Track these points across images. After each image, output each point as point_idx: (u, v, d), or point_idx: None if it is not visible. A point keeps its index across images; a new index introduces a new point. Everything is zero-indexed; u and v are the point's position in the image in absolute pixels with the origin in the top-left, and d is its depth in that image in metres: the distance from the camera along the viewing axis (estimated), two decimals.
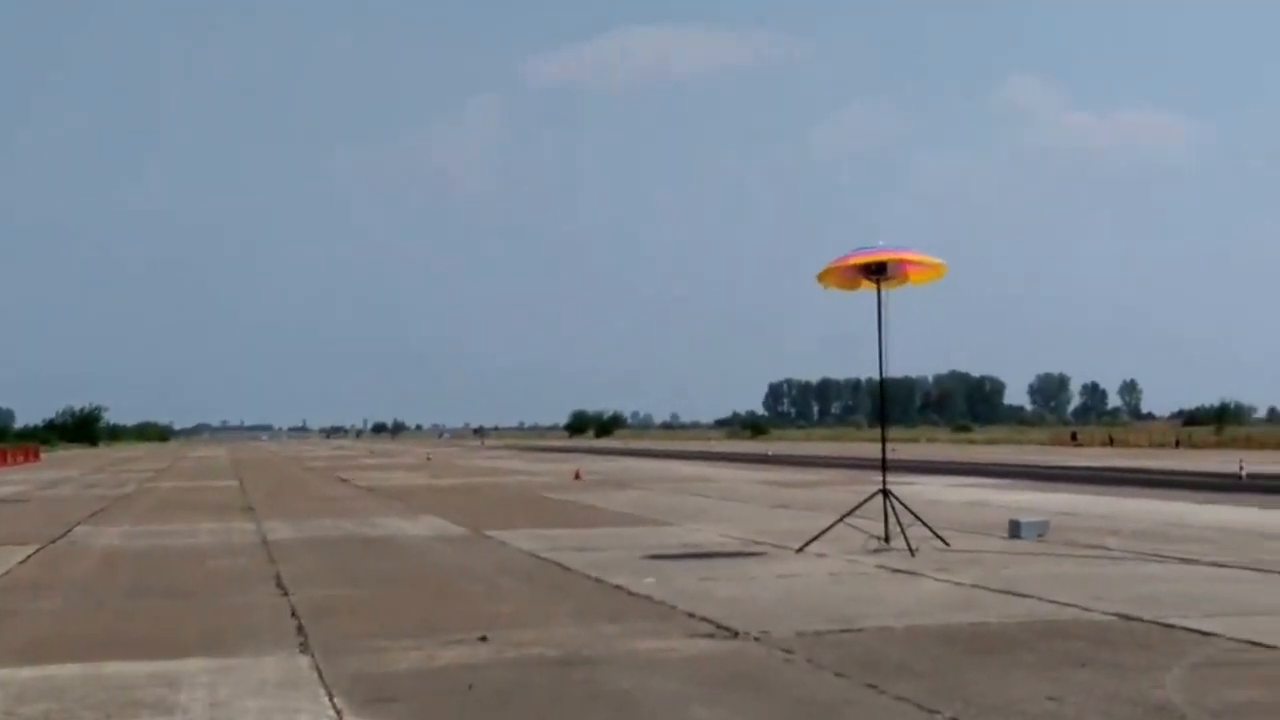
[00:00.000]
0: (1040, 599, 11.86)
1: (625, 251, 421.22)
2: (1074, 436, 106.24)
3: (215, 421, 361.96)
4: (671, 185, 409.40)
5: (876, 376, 17.27)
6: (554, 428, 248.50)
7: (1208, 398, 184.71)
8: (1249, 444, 78.81)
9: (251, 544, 19.11)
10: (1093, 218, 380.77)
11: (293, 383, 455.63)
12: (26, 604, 13.00)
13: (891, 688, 8.15)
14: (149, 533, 21.52)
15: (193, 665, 9.40)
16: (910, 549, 15.62)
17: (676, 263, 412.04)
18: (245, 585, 14.24)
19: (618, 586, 13.34)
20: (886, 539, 16.33)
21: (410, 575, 15.06)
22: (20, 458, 77.48)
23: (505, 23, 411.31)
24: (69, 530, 22.04)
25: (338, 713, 7.86)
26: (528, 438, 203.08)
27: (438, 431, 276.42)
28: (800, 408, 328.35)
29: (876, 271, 16.65)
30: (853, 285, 17.18)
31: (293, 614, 11.91)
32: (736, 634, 10.29)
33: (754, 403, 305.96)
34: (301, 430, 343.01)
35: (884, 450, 18.20)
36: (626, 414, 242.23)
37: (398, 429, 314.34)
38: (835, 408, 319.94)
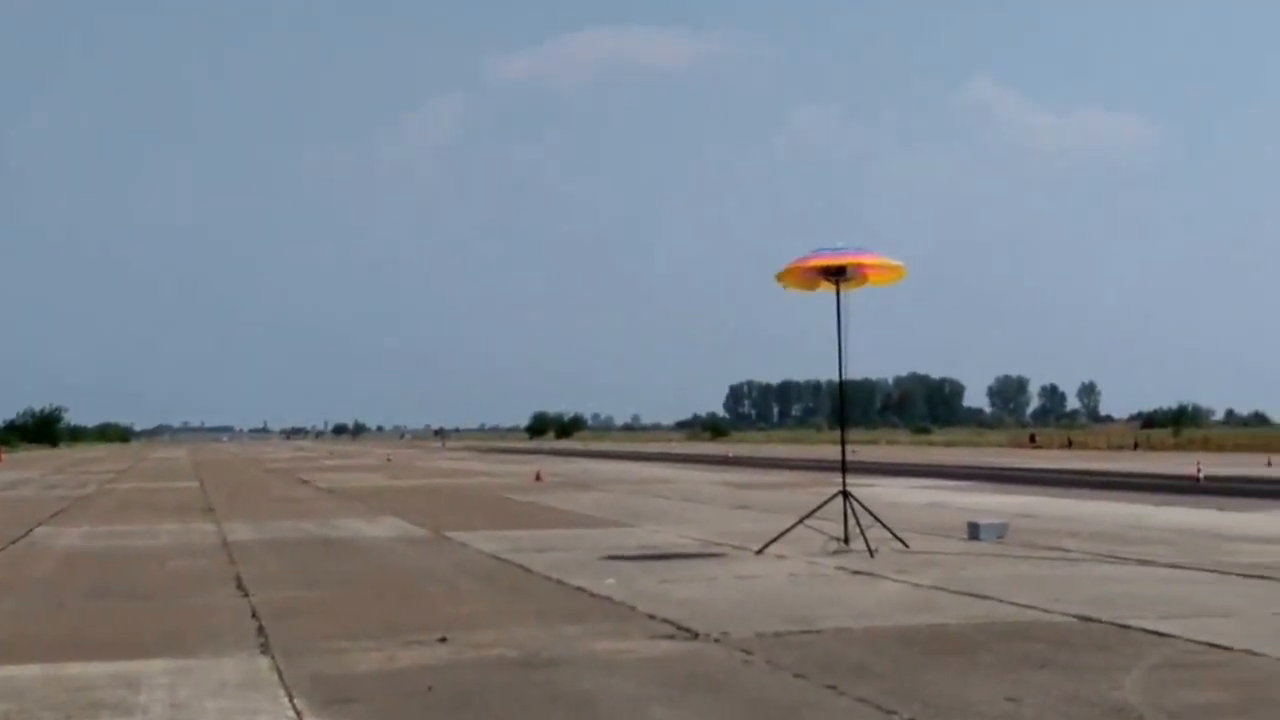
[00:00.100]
0: (999, 600, 11.90)
1: (586, 253, 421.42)
2: (1033, 438, 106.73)
3: (176, 423, 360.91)
4: (632, 186, 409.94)
5: (837, 379, 17.30)
6: (515, 429, 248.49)
7: (1166, 400, 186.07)
8: (1206, 446, 79.29)
9: (212, 545, 19.04)
10: (1053, 220, 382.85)
11: (253, 384, 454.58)
12: None
13: (851, 689, 8.15)
14: (110, 533, 21.42)
15: (153, 666, 9.35)
16: (870, 550, 15.66)
17: (637, 265, 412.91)
18: (206, 586, 14.19)
19: (578, 588, 13.34)
20: (846, 540, 16.36)
21: (371, 577, 15.02)
22: None
23: (468, 21, 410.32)
24: (29, 531, 21.92)
25: (298, 713, 7.83)
26: (488, 439, 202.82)
27: (398, 433, 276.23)
28: (761, 410, 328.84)
29: (836, 273, 16.69)
30: (812, 286, 17.21)
31: (253, 615, 11.87)
32: (696, 635, 10.29)
33: (715, 404, 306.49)
34: (262, 431, 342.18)
35: (844, 452, 18.25)
36: (587, 416, 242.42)
37: (358, 430, 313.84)
38: (796, 410, 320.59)
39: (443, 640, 10.17)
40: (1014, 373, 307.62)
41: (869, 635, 10.20)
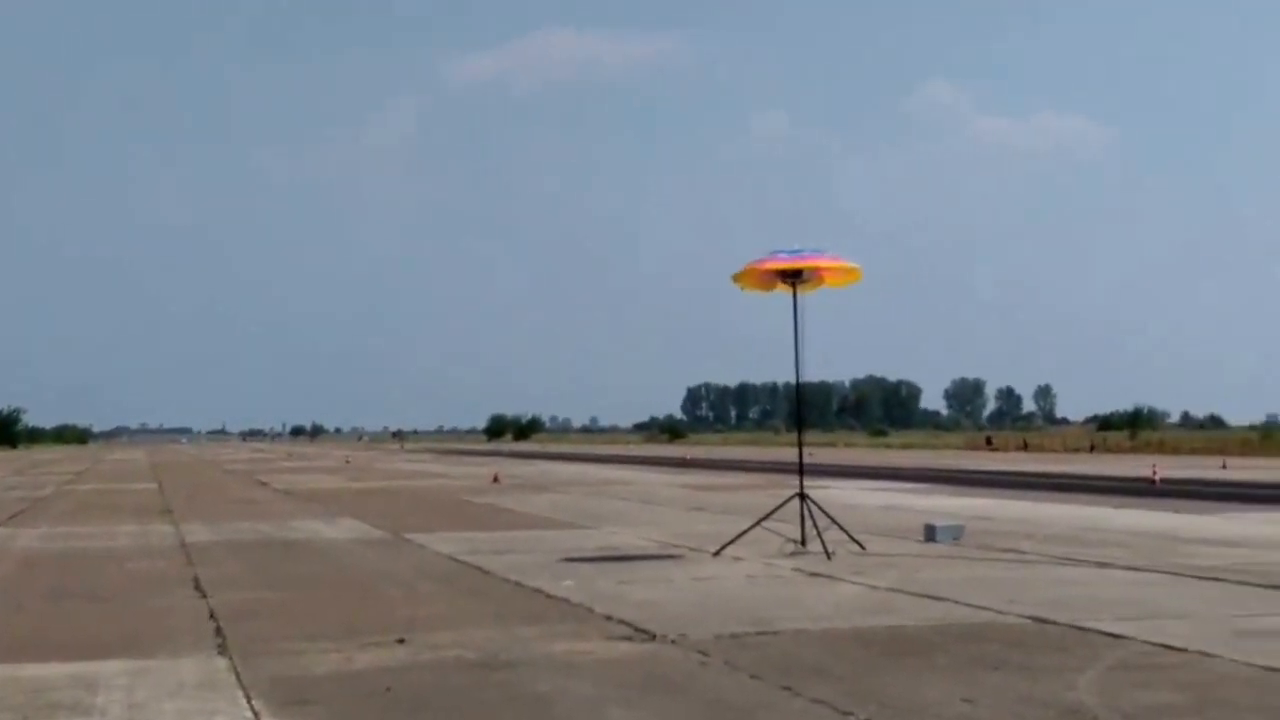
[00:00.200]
0: (955, 602, 11.95)
1: (543, 256, 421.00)
2: (989, 441, 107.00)
3: (134, 424, 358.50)
4: (590, 189, 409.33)
5: (794, 381, 17.35)
6: (472, 431, 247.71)
7: (1122, 403, 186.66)
8: (1162, 448, 79.69)
9: (170, 546, 18.98)
10: (1008, 223, 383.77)
11: (211, 386, 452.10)
12: None
13: (807, 690, 8.18)
14: (68, 535, 21.34)
15: (111, 667, 9.33)
16: (826, 552, 15.70)
17: (595, 267, 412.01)
18: (164, 588, 14.17)
19: (536, 589, 13.34)
20: (803, 542, 16.39)
21: (329, 578, 15.00)
22: None
23: (426, 22, 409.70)
24: None
25: (255, 714, 7.83)
26: (446, 441, 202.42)
27: (356, 435, 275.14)
28: (718, 412, 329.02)
29: (792, 276, 16.74)
30: (768, 287, 17.25)
31: (211, 616, 11.86)
32: (654, 636, 10.30)
33: (672, 407, 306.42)
34: (220, 433, 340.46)
35: (800, 454, 18.28)
36: (545, 418, 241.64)
37: (316, 432, 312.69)
38: (753, 412, 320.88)
39: (401, 642, 10.16)
40: (970, 375, 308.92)
41: (826, 637, 10.23)
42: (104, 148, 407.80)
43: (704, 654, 9.52)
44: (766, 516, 17.40)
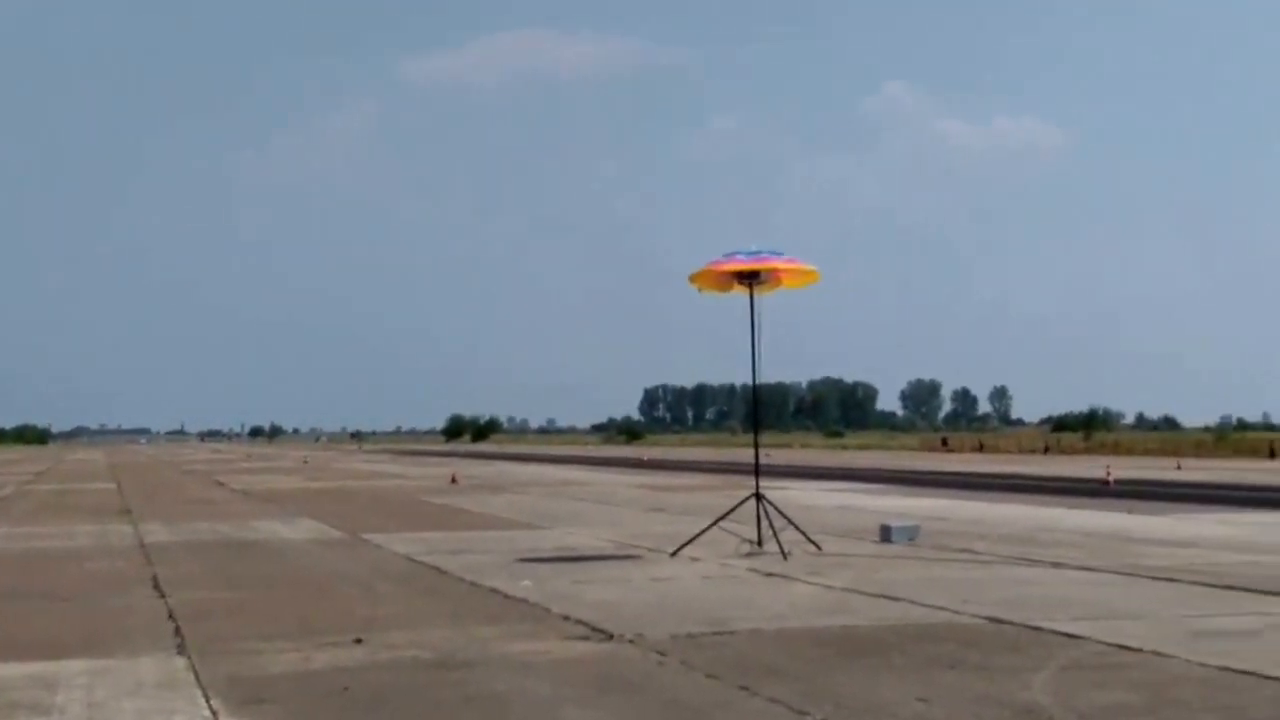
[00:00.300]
0: (911, 602, 11.99)
1: (499, 254, 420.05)
2: (945, 442, 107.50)
3: (94, 425, 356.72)
4: (547, 189, 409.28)
5: (751, 382, 17.38)
6: (431, 432, 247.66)
7: (1076, 404, 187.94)
8: (1116, 449, 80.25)
9: (129, 546, 18.94)
10: (965, 224, 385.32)
11: (170, 386, 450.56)
12: None
13: (763, 689, 8.19)
14: (28, 535, 21.30)
15: (70, 666, 9.31)
16: (783, 553, 15.73)
17: (550, 266, 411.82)
18: (123, 587, 14.15)
19: (493, 589, 13.34)
20: (759, 543, 16.42)
21: (287, 578, 14.98)
22: None
23: (381, 24, 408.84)
24: None
25: (214, 713, 7.82)
26: (404, 442, 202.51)
27: (314, 435, 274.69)
28: (676, 413, 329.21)
29: (749, 277, 16.78)
30: (725, 288, 17.29)
31: (170, 616, 11.84)
32: (611, 636, 10.31)
33: (630, 408, 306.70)
34: (179, 434, 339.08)
35: (757, 455, 18.31)
36: (503, 418, 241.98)
37: (275, 433, 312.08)
38: (710, 413, 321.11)
39: (358, 641, 10.15)
40: (926, 377, 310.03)
41: (782, 636, 10.25)
42: (64, 148, 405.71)
43: (661, 654, 9.52)
44: (723, 517, 17.44)
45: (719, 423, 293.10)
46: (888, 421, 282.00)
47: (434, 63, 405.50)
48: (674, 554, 16.32)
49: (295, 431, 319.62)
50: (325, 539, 20.02)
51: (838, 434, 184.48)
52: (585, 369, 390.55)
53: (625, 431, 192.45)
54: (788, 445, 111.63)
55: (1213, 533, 19.16)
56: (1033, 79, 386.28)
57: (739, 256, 16.90)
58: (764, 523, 16.52)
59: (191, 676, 8.95)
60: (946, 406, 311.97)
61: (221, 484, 41.85)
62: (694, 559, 15.80)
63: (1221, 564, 14.90)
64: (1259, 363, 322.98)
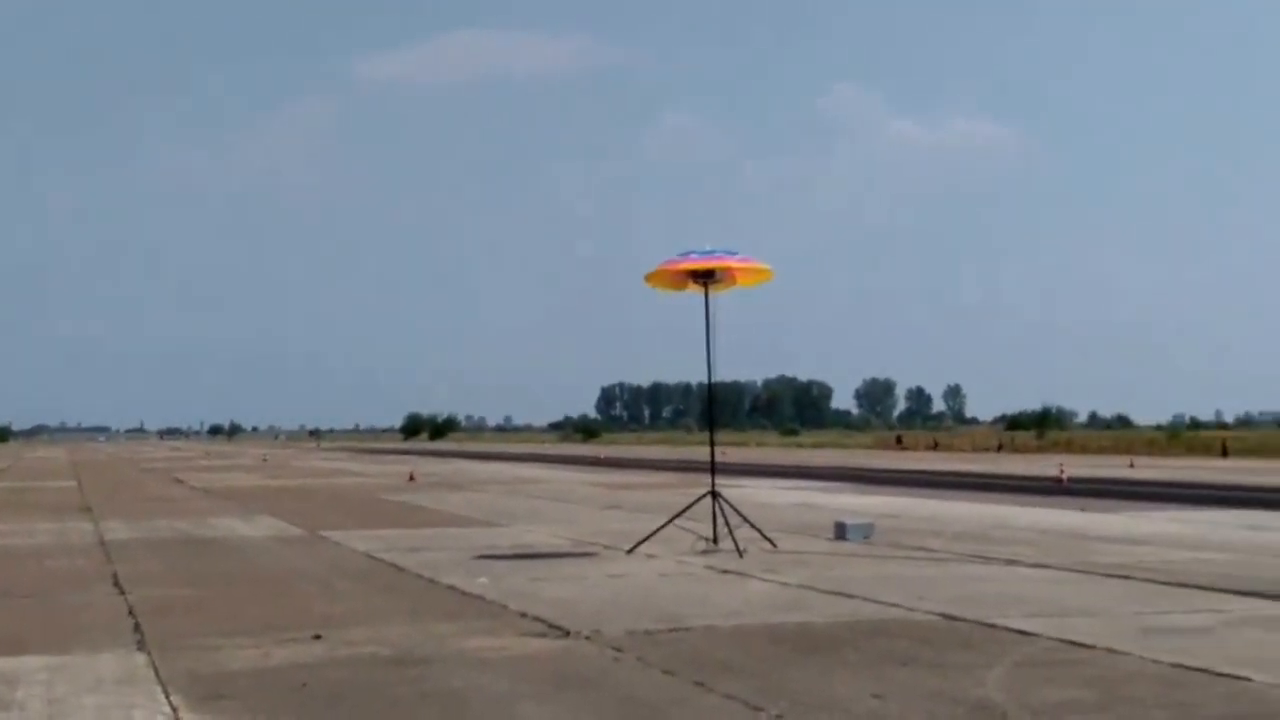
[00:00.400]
0: (865, 599, 12.05)
1: (456, 252, 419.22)
2: (899, 440, 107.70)
3: (54, 423, 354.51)
4: (504, 187, 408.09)
5: (706, 381, 17.42)
6: (389, 430, 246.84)
7: (1030, 403, 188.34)
8: (1069, 448, 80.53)
9: (89, 544, 18.89)
10: (917, 224, 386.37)
11: (129, 384, 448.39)
12: None
13: (719, 686, 8.23)
14: None
15: (30, 663, 9.32)
16: (738, 550, 15.78)
17: (508, 265, 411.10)
18: (83, 584, 14.13)
19: (451, 586, 13.36)
20: (715, 540, 16.47)
21: (246, 575, 14.98)
22: None
23: (335, 24, 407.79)
24: None
25: (174, 709, 7.83)
26: (362, 440, 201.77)
27: (274, 434, 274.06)
28: (632, 411, 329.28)
29: (704, 276, 16.83)
30: (680, 286, 17.34)
31: (130, 613, 11.83)
32: (568, 633, 10.34)
33: (586, 406, 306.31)
34: (139, 432, 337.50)
35: (713, 453, 18.39)
36: (460, 417, 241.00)
37: (234, 431, 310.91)
38: (666, 411, 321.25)
39: (317, 638, 10.17)
40: (881, 375, 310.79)
41: (737, 633, 10.30)
42: (17, 146, 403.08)
43: (617, 650, 9.56)
44: (679, 514, 17.48)
45: (675, 421, 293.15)
46: (843, 420, 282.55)
47: (387, 62, 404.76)
48: (630, 551, 16.35)
49: (254, 430, 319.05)
50: (284, 536, 19.99)
51: (793, 432, 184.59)
52: (542, 368, 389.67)
53: (582, 430, 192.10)
54: (743, 443, 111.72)
55: (1165, 530, 19.30)
56: (985, 80, 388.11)
57: (693, 255, 16.95)
58: (719, 520, 16.57)
59: (151, 673, 8.96)
60: (901, 405, 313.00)
61: (181, 481, 41.72)
62: (650, 556, 15.84)
63: (1174, 561, 15.02)
64: (1212, 362, 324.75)
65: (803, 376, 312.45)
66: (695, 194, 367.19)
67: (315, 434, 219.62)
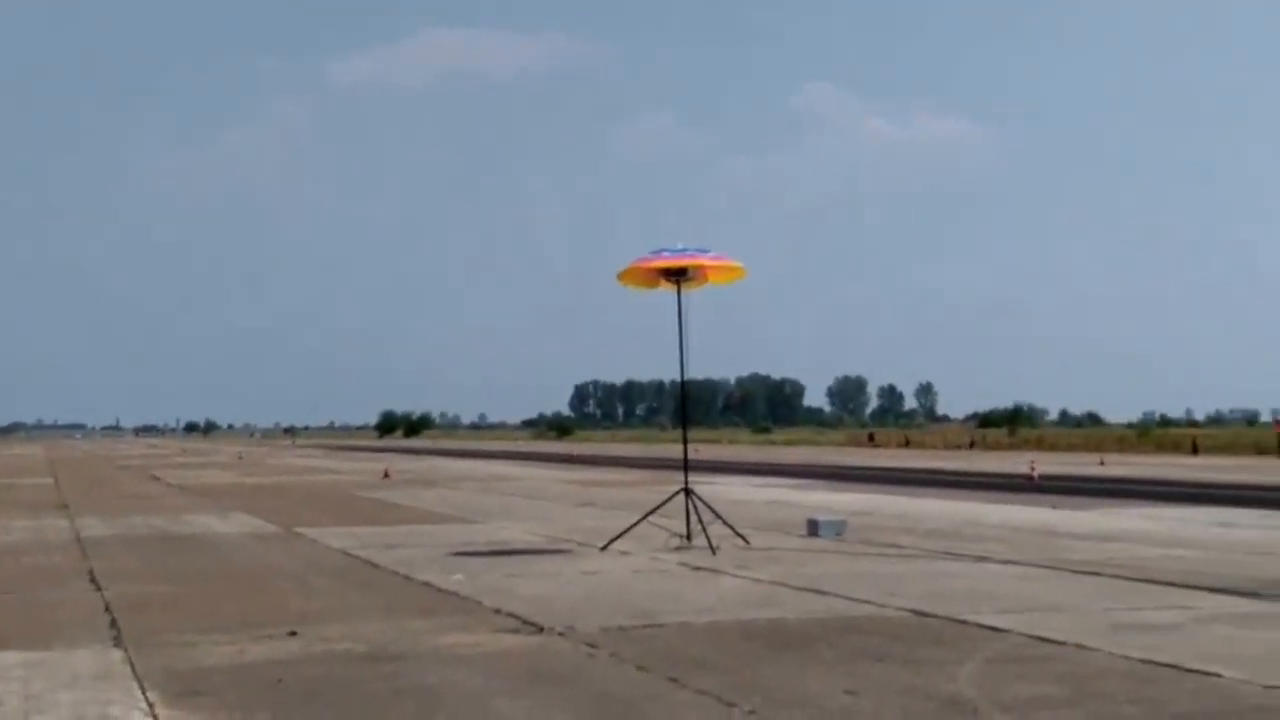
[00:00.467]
0: (837, 596, 12.09)
1: (431, 251, 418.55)
2: (871, 438, 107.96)
3: (30, 420, 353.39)
4: (475, 186, 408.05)
5: (679, 378, 17.46)
6: (364, 427, 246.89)
7: (1001, 400, 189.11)
8: (1040, 445, 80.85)
9: (66, 541, 18.89)
10: (889, 222, 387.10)
11: (106, 382, 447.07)
12: None
13: (692, 682, 8.26)
14: None
15: (7, 659, 9.32)
16: (711, 547, 15.83)
17: (483, 264, 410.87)
18: (59, 581, 14.14)
19: (425, 583, 13.38)
20: (688, 537, 16.52)
21: (222, 572, 14.98)
22: None
23: (308, 24, 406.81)
24: None
25: (150, 705, 7.83)
26: (337, 437, 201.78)
27: (249, 431, 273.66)
28: (606, 409, 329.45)
29: (676, 274, 16.88)
30: (652, 284, 17.39)
31: (106, 609, 11.83)
32: (542, 629, 10.36)
33: (560, 404, 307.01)
34: (115, 429, 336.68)
35: (685, 451, 18.41)
36: (435, 414, 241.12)
37: (210, 428, 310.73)
38: (640, 409, 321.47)
39: (292, 634, 10.18)
40: (853, 373, 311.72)
41: (710, 629, 10.33)
42: None
43: (591, 646, 9.59)
44: (652, 511, 17.52)
45: (649, 419, 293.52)
46: (815, 418, 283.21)
47: (360, 63, 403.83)
48: (604, 548, 16.39)
49: (230, 427, 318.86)
50: (260, 533, 20.00)
51: (766, 430, 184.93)
52: (516, 366, 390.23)
53: (556, 427, 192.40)
54: (716, 441, 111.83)
55: (1135, 527, 19.38)
56: (959, 80, 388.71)
57: (666, 253, 16.98)
58: (693, 517, 16.62)
59: (128, 669, 8.97)
60: (873, 403, 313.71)
61: (157, 479, 41.65)
62: (624, 553, 15.88)
63: (1144, 558, 15.08)
64: (1182, 359, 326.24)
65: (775, 374, 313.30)
66: (668, 192, 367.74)
67: (290, 431, 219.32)
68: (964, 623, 10.48)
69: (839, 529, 18.10)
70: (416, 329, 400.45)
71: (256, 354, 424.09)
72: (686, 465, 17.84)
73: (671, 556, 15.48)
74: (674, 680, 8.34)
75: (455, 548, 16.96)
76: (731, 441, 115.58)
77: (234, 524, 21.83)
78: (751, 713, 7.49)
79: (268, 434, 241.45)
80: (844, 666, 8.77)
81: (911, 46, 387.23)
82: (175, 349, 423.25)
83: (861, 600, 11.77)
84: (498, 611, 11.32)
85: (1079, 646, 9.39)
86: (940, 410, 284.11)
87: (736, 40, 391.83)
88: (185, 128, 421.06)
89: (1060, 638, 9.71)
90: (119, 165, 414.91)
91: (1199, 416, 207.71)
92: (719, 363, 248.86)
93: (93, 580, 14.08)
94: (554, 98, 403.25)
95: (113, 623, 11.03)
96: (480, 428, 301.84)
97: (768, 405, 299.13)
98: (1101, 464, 47.34)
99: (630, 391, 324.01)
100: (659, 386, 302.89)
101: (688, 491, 16.88)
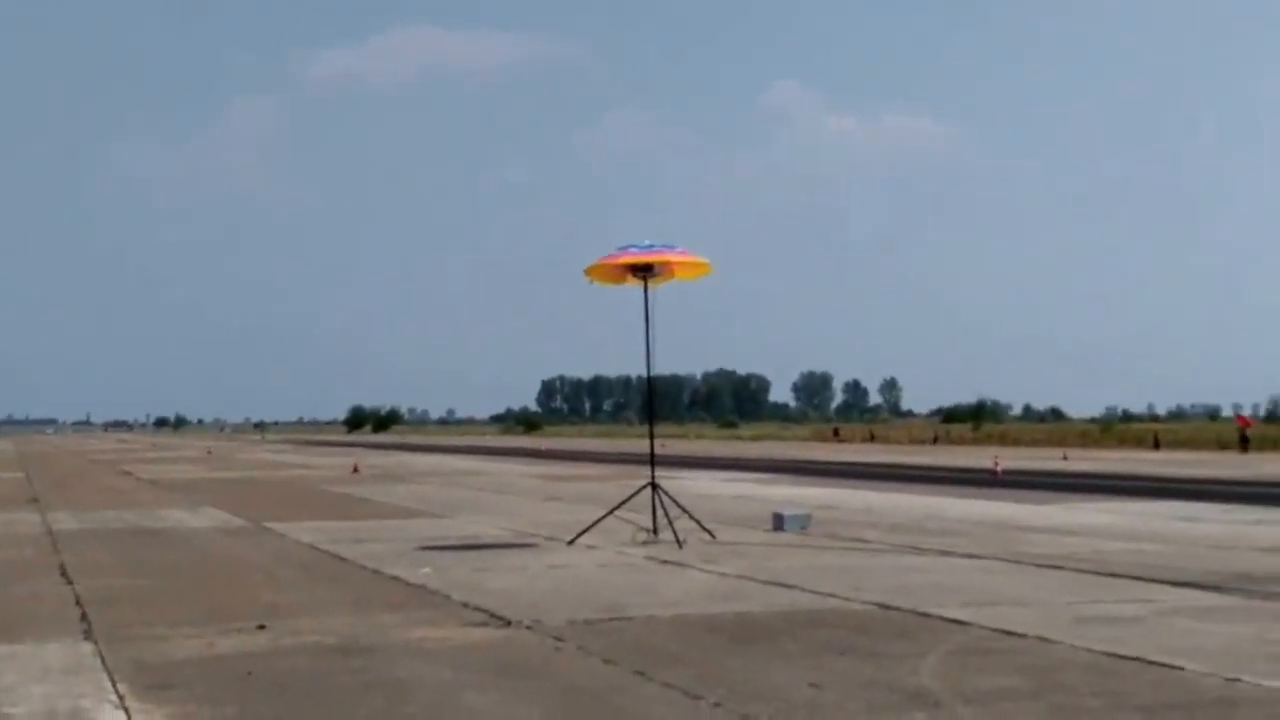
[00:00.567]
0: (802, 589, 12.16)
1: (401, 247, 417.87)
2: (836, 433, 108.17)
3: (0, 415, 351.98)
4: (446, 183, 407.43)
5: (646, 374, 17.52)
6: (333, 423, 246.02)
7: (965, 396, 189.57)
8: (1004, 440, 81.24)
9: (37, 535, 18.93)
10: (854, 218, 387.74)
11: (76, 377, 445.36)
12: None
13: (659, 675, 8.31)
14: None
15: None
16: (678, 541, 15.90)
17: (450, 259, 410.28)
18: (30, 575, 14.14)
19: (394, 577, 13.42)
20: (655, 531, 16.59)
21: (192, 566, 15.00)
22: None
23: (280, 19, 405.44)
24: None
25: (120, 698, 7.86)
26: (306, 432, 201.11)
27: (219, 426, 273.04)
28: (573, 404, 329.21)
29: (643, 270, 16.94)
30: (619, 280, 17.44)
31: (77, 603, 11.86)
32: (509, 623, 10.41)
33: (528, 399, 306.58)
34: (85, 424, 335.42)
35: (652, 446, 18.48)
36: (403, 409, 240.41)
37: (180, 423, 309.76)
38: (607, 404, 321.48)
39: (262, 628, 10.21)
40: (818, 369, 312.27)
41: (677, 623, 10.39)
42: None
43: (558, 640, 9.64)
44: (619, 506, 17.59)
45: (615, 414, 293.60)
46: (780, 413, 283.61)
47: (332, 59, 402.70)
48: (571, 542, 16.45)
49: (200, 422, 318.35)
50: (230, 527, 20.01)
51: (731, 425, 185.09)
52: (484, 361, 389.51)
53: (523, 422, 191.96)
54: (683, 436, 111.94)
55: (1097, 521, 19.52)
56: (925, 78, 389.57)
57: (633, 249, 17.04)
58: (659, 512, 16.68)
59: (98, 662, 9.00)
60: (838, 398, 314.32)
61: (128, 473, 41.64)
62: (591, 547, 15.94)
63: (1106, 552, 15.21)
64: (1144, 355, 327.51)
65: (741, 370, 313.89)
66: (636, 189, 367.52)
67: (260, 426, 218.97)
68: (928, 616, 10.56)
69: (804, 523, 18.20)
70: (385, 325, 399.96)
71: (226, 350, 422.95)
72: (653, 460, 17.91)
73: (638, 551, 15.55)
74: (641, 673, 8.39)
75: (424, 542, 17.00)
76: (698, 436, 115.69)
77: (204, 518, 21.84)
78: (717, 705, 7.54)
79: (238, 429, 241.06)
80: (809, 659, 8.83)
81: (879, 46, 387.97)
82: (145, 345, 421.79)
83: (826, 594, 11.84)
84: (466, 605, 11.37)
85: (1042, 639, 9.46)
86: (905, 405, 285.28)
87: (705, 39, 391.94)
88: (158, 124, 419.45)
89: (1023, 630, 9.78)
90: (92, 161, 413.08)
91: (1161, 411, 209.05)
92: (685, 358, 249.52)
93: (64, 574, 14.09)
94: (523, 95, 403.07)
95: (83, 616, 11.06)
96: (449, 423, 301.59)
97: (734, 400, 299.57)
98: (1065, 459, 47.60)
99: (597, 387, 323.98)
100: (626, 382, 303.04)
101: (654, 486, 16.94)
